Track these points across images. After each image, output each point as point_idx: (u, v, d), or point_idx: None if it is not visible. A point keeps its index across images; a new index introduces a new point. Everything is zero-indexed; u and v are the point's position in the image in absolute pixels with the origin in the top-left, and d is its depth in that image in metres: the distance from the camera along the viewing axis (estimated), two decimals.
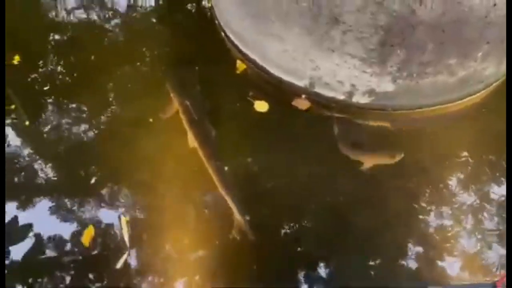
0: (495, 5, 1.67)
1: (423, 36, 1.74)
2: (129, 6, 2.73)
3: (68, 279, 1.81)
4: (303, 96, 2.23)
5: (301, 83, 2.18)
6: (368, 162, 2.13)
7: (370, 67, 1.93)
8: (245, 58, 2.32)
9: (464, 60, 1.90)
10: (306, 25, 1.87)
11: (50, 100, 2.29)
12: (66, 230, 1.92)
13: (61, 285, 1.79)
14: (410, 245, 1.93)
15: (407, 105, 2.15)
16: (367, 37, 1.80)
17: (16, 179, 2.04)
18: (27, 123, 2.19)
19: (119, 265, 1.80)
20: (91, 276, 1.82)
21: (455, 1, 1.62)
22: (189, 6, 2.65)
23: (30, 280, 1.79)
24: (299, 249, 1.91)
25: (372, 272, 1.87)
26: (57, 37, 2.55)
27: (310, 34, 1.90)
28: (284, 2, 1.87)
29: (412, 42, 1.77)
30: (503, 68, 2.13)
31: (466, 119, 2.27)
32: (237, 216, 1.92)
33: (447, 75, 1.97)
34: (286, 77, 2.20)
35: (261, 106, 2.23)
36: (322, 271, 1.87)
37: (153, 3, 2.73)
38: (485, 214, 2.03)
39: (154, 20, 2.66)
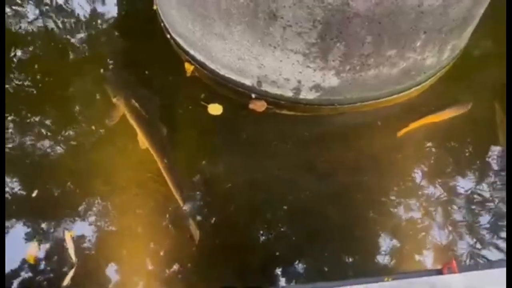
0: None
1: (359, 28, 1.76)
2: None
3: None
4: (253, 95, 2.22)
5: (249, 82, 2.17)
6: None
7: (313, 62, 1.94)
8: (193, 59, 2.30)
9: (403, 51, 1.93)
10: (245, 22, 1.87)
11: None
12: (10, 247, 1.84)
13: None
14: (380, 239, 1.95)
15: (354, 98, 2.17)
16: (306, 31, 1.81)
17: None
18: None
19: (65, 282, 1.74)
20: None
21: None
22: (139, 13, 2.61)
23: None
24: (262, 248, 1.90)
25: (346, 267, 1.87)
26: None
27: (250, 31, 1.90)
28: (223, 0, 1.86)
29: (350, 34, 1.79)
30: (444, 57, 2.18)
31: (414, 109, 2.31)
32: (190, 219, 1.88)
33: (388, 67, 1.99)
34: (234, 77, 2.19)
35: (215, 109, 2.20)
36: (299, 268, 1.85)
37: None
38: (454, 206, 2.06)
39: (107, 30, 2.61)
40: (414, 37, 1.88)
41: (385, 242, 1.94)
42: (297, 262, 1.88)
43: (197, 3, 1.97)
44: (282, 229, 1.96)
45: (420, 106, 2.29)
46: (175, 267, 1.84)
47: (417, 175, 2.14)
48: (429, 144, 2.26)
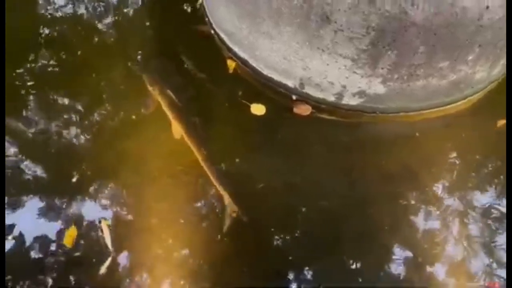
0: (487, 7, 1.65)
1: (414, 38, 1.72)
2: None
3: (50, 281, 1.76)
4: (294, 97, 2.20)
5: (291, 83, 2.15)
6: None
7: (360, 68, 1.91)
8: (235, 56, 2.29)
9: (454, 64, 1.88)
10: (296, 23, 1.84)
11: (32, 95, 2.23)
12: (49, 230, 1.87)
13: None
14: (397, 250, 1.91)
15: (398, 108, 2.13)
16: (359, 37, 1.77)
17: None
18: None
19: (102, 270, 1.76)
20: (73, 278, 1.77)
21: (447, 2, 1.60)
22: (184, 6, 2.60)
23: (10, 283, 1.74)
24: (285, 250, 1.88)
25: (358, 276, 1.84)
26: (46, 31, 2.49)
27: (300, 33, 1.87)
28: (275, 0, 1.84)
29: (404, 43, 1.75)
30: (494, 73, 2.12)
31: (455, 124, 2.25)
32: (229, 205, 1.88)
33: (438, 78, 1.95)
34: (276, 77, 2.17)
35: (258, 109, 2.18)
36: (307, 273, 1.84)
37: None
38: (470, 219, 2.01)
39: (146, 19, 2.61)
40: (468, 50, 1.83)
41: (403, 253, 1.90)
42: (319, 266, 1.86)
43: (247, 1, 1.95)
44: (308, 233, 1.94)
45: (465, 120, 2.23)
46: (202, 261, 1.85)
47: (447, 189, 2.09)
48: (477, 157, 2.19)
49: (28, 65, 2.32)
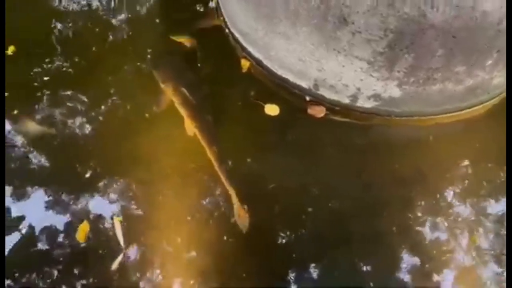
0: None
1: (432, 40, 1.71)
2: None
3: (57, 274, 1.76)
4: (307, 98, 2.19)
5: (305, 84, 2.15)
6: None
7: (377, 71, 1.89)
8: (249, 56, 2.29)
9: (472, 68, 1.87)
10: (313, 24, 1.84)
11: (47, 91, 2.25)
12: (60, 223, 1.87)
13: (48, 280, 1.74)
14: (404, 255, 1.90)
15: (412, 111, 2.11)
16: (376, 39, 1.76)
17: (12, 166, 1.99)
18: (15, 112, 2.14)
19: (114, 266, 1.76)
20: (77, 271, 1.78)
21: (468, 5, 1.59)
22: (197, 6, 2.60)
23: (16, 275, 1.75)
24: (292, 252, 1.87)
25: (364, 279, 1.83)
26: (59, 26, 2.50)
27: (317, 34, 1.87)
28: (292, 0, 1.83)
29: (421, 46, 1.74)
30: None
31: (470, 130, 2.23)
32: (237, 205, 1.88)
33: (454, 83, 1.93)
34: (291, 78, 2.17)
35: (272, 109, 2.18)
36: (313, 273, 1.83)
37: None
38: (480, 229, 1.99)
39: (158, 16, 2.62)
40: (486, 55, 1.81)
41: (411, 259, 1.89)
42: (327, 266, 1.85)
43: (264, 1, 1.95)
44: (318, 234, 1.93)
45: (479, 126, 2.21)
46: (211, 260, 1.84)
47: (459, 196, 2.07)
48: (489, 165, 2.17)
49: (42, 61, 2.34)
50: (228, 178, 1.95)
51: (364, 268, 1.86)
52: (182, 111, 2.12)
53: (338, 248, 1.90)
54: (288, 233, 1.92)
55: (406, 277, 1.85)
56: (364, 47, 1.81)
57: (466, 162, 2.15)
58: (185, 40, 2.40)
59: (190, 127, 2.08)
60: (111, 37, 2.46)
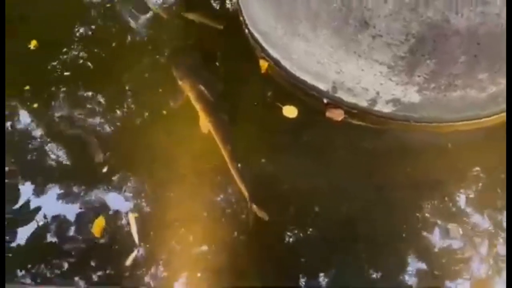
0: None
1: (456, 47, 1.68)
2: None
3: (68, 267, 1.79)
4: (325, 100, 2.18)
5: (323, 86, 2.13)
6: None
7: (397, 75, 1.87)
8: (268, 56, 2.28)
9: (495, 76, 1.84)
10: (334, 27, 1.82)
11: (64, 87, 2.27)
12: (73, 215, 1.90)
13: (58, 271, 1.77)
14: (412, 260, 1.88)
15: (431, 117, 2.08)
16: (397, 44, 1.74)
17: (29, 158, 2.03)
18: (35, 105, 2.17)
19: (128, 262, 1.77)
20: (93, 264, 1.80)
21: (493, 12, 1.56)
22: (214, 4, 2.61)
23: (29, 266, 1.78)
24: (302, 253, 1.87)
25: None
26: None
27: (337, 36, 1.85)
28: (313, 2, 1.82)
29: (444, 52, 1.71)
30: None
31: (489, 138, 2.19)
32: (252, 205, 1.88)
33: (476, 90, 1.90)
34: (309, 80, 2.16)
35: (290, 111, 2.17)
36: (322, 278, 1.82)
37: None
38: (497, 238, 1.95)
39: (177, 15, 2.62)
40: None
41: (418, 264, 1.87)
42: (335, 270, 1.84)
43: (285, 2, 1.94)
44: (328, 236, 1.92)
45: (499, 135, 2.16)
46: (223, 260, 1.85)
47: (469, 202, 2.04)
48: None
49: (63, 56, 2.36)
50: (243, 177, 1.95)
51: (374, 275, 1.84)
52: (198, 108, 2.13)
53: (351, 251, 1.89)
54: (300, 233, 1.91)
55: (413, 280, 1.83)
56: (385, 51, 1.79)
57: (485, 171, 2.11)
58: (209, 21, 2.42)
59: (205, 125, 2.08)
60: (130, 34, 2.48)
